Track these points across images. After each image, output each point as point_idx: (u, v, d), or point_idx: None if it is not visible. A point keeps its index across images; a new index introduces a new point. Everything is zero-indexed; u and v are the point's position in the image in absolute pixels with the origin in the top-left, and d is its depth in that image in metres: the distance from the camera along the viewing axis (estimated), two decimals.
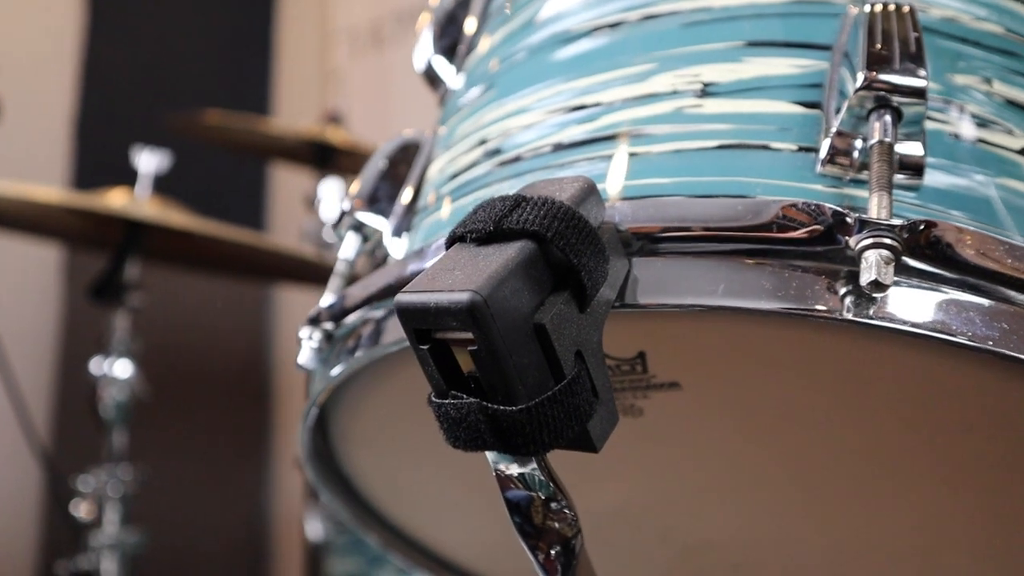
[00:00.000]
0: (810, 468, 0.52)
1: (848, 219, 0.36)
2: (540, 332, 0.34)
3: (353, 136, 1.93)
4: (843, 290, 0.37)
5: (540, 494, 0.37)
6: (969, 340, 0.35)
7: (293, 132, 1.88)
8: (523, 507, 0.38)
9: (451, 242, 0.37)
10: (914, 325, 0.36)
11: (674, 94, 0.45)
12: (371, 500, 0.68)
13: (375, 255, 0.56)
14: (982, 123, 0.43)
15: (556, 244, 0.35)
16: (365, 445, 0.63)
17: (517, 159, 0.49)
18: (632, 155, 0.44)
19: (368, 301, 0.48)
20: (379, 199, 0.56)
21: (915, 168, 0.39)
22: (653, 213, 0.40)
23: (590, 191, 0.38)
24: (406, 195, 0.56)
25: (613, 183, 0.44)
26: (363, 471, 0.66)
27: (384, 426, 0.61)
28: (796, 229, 0.37)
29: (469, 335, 0.33)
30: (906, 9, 0.41)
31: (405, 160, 0.58)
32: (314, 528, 1.54)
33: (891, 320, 0.36)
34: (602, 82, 0.48)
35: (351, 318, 0.50)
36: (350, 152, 1.88)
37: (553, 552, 0.39)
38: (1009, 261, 0.36)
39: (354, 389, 0.56)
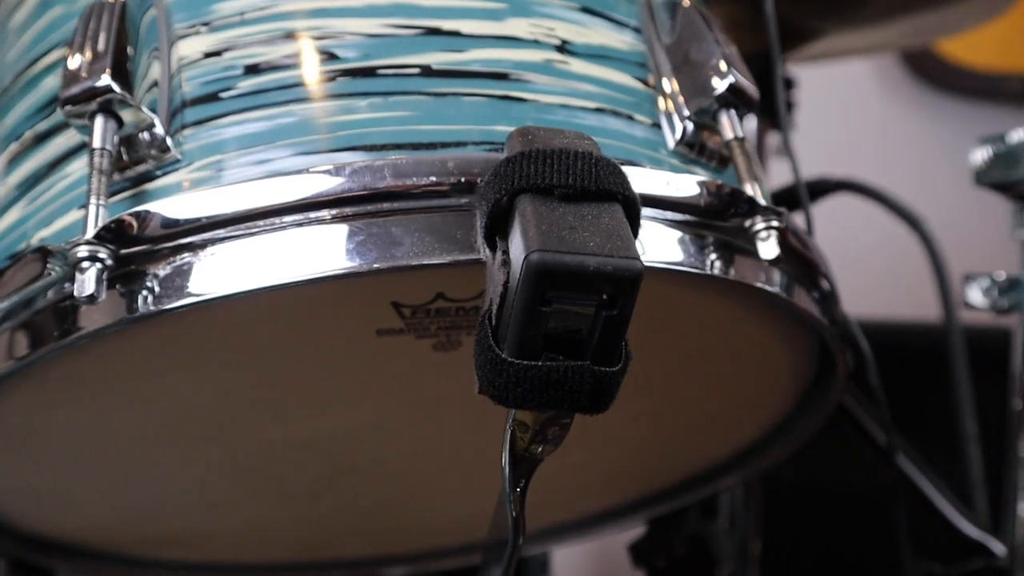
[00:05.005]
0: None
1: (758, 203, 0.44)
2: None
3: None
4: (714, 255, 0.46)
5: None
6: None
7: None
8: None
9: (521, 191, 0.34)
10: (764, 282, 0.47)
11: (536, 44, 0.46)
12: None
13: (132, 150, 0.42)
14: None
15: (634, 210, 0.36)
16: None
17: (371, 73, 0.44)
18: (521, 100, 0.45)
19: (218, 225, 0.39)
20: (131, 76, 0.42)
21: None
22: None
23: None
24: (160, 76, 0.44)
25: (507, 128, 0.43)
26: None
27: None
28: (716, 206, 0.44)
29: (594, 299, 0.33)
30: None
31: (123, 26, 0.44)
32: None
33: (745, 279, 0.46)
34: (451, 8, 0.46)
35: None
36: None
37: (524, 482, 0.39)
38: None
39: None
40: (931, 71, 1.84)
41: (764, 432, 0.66)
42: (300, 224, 0.39)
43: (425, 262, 0.38)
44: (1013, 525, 0.67)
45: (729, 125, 0.47)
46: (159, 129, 0.42)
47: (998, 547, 0.72)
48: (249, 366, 0.49)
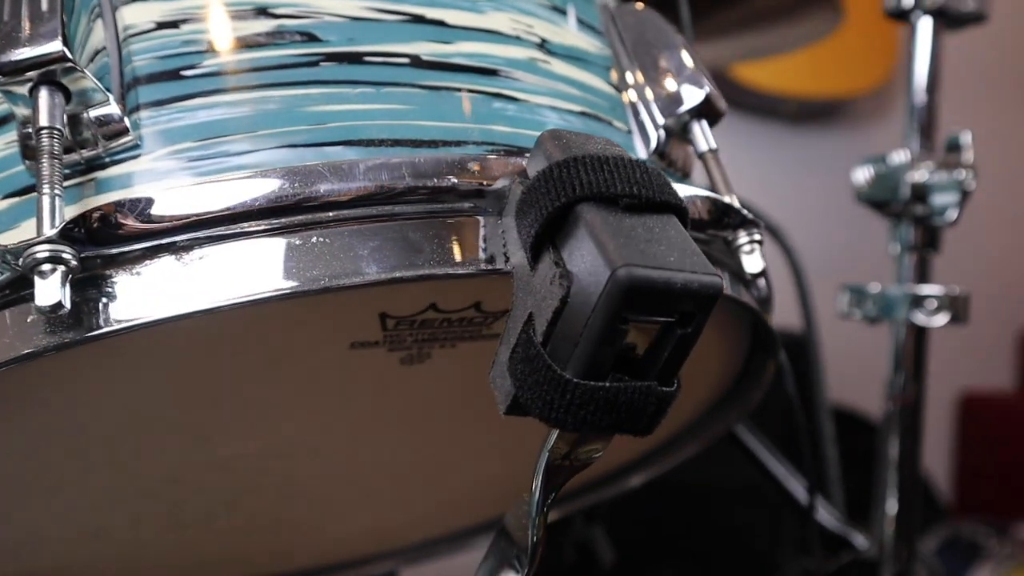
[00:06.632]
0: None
1: (746, 216, 0.44)
2: None
3: None
4: None
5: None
6: None
7: None
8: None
9: (583, 199, 0.32)
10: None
11: (519, 40, 0.44)
12: None
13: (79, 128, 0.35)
14: None
15: (687, 222, 0.34)
16: None
17: (358, 59, 0.39)
18: (512, 99, 0.42)
19: (208, 224, 0.33)
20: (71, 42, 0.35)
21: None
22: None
23: None
24: (109, 46, 0.37)
25: (504, 128, 0.41)
26: None
27: None
28: (714, 216, 0.43)
29: (665, 317, 0.31)
30: None
31: None
32: None
33: None
34: None
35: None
36: None
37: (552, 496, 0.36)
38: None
39: None
40: (723, 90, 1.97)
41: (671, 435, 0.66)
42: (305, 227, 0.34)
43: (450, 272, 0.35)
44: (882, 522, 0.72)
45: (702, 136, 0.46)
46: (113, 108, 0.35)
47: (860, 540, 0.77)
48: (189, 385, 0.43)
